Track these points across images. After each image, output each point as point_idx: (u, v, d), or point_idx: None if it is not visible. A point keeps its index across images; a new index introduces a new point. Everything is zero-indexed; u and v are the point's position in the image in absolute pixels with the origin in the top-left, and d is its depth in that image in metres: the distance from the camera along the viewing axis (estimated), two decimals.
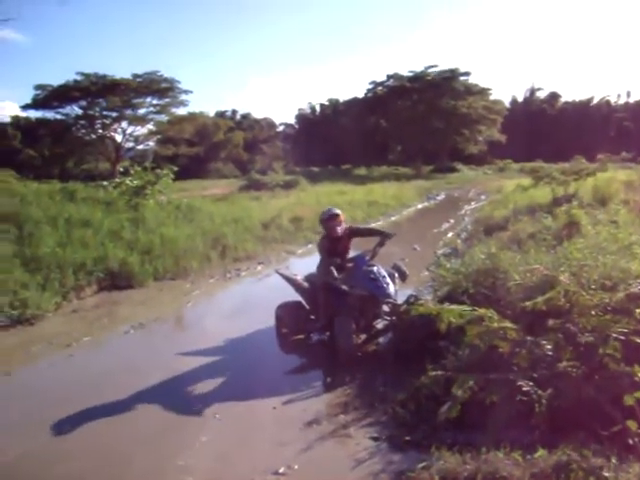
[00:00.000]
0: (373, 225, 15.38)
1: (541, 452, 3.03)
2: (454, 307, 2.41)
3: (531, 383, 2.08)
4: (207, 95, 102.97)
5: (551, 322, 2.30)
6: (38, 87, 39.01)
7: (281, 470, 3.66)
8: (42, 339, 6.65)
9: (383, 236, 6.31)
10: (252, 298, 8.44)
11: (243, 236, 12.39)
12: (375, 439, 4.00)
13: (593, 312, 2.22)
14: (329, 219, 6.19)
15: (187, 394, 5.01)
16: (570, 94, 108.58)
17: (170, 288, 9.33)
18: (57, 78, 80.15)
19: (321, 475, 3.63)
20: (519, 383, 2.07)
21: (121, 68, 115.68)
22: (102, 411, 4.65)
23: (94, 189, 14.19)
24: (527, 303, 2.45)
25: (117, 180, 15.02)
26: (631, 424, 2.04)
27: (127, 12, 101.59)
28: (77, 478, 3.72)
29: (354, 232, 6.42)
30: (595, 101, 60.93)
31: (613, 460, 2.64)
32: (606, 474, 2.44)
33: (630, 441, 2.12)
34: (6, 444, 4.17)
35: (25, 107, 40.94)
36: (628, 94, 61.55)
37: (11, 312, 7.11)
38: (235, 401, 4.82)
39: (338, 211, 6.28)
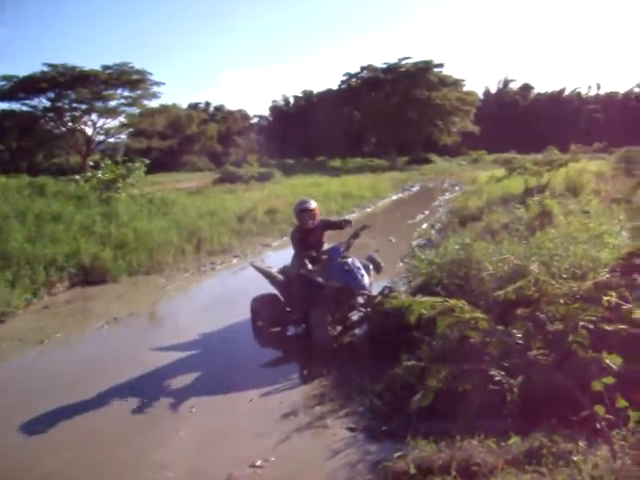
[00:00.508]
0: (347, 217, 15.45)
1: (514, 439, 3.10)
2: (426, 299, 2.43)
3: (502, 372, 2.12)
4: (180, 88, 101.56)
5: (520, 311, 2.34)
6: (3, 78, 37.67)
7: (258, 462, 3.66)
8: (12, 336, 6.53)
9: (357, 228, 6.34)
10: (227, 291, 8.41)
11: (218, 229, 12.31)
12: (351, 430, 4.03)
13: (562, 301, 2.26)
14: (303, 211, 6.19)
15: (163, 389, 4.97)
16: (542, 85, 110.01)
17: (144, 283, 9.24)
18: (23, 69, 78.33)
19: (298, 466, 3.64)
20: (491, 372, 2.10)
21: (90, 60, 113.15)
22: (77, 408, 4.60)
23: (65, 183, 13.92)
24: (498, 292, 2.49)
25: (88, 174, 14.77)
26: (599, 409, 2.09)
27: (97, 4, 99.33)
28: (53, 475, 3.67)
29: (328, 225, 6.43)
30: (567, 92, 61.89)
31: (581, 444, 2.71)
32: (575, 458, 2.51)
33: (598, 425, 2.17)
34: None
35: None
36: (598, 86, 62.60)
37: None
38: (211, 395, 4.81)
39: (313, 204, 6.27)
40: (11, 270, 8.05)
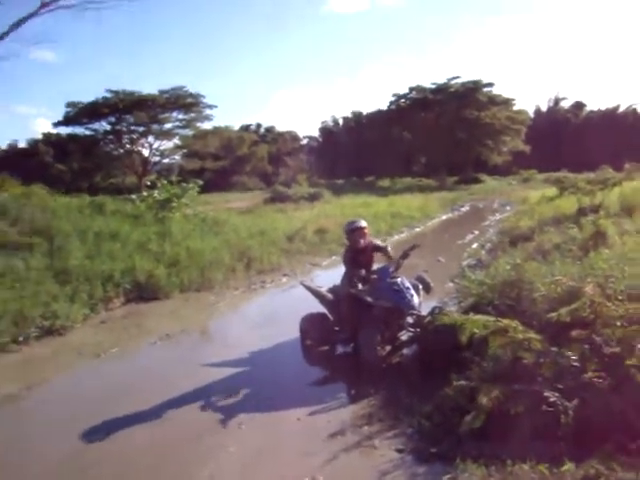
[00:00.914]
0: (396, 237, 15.47)
1: (568, 465, 3.00)
2: (478, 317, 2.43)
3: (557, 394, 2.07)
4: (232, 109, 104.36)
5: (575, 333, 2.29)
6: (69, 104, 40.12)
7: None
8: (72, 350, 6.80)
9: (406, 248, 6.35)
10: (277, 310, 8.49)
11: (268, 248, 12.48)
12: (400, 451, 3.99)
13: (618, 323, 2.20)
14: (353, 230, 6.24)
15: (213, 404, 5.07)
16: (595, 103, 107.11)
17: (195, 300, 9.45)
18: (87, 95, 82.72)
19: None
20: (545, 394, 2.06)
21: (148, 83, 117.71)
22: (129, 421, 4.74)
23: (122, 202, 14.46)
24: (552, 314, 2.44)
25: (144, 194, 15.29)
26: None
27: (152, 28, 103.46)
28: None
29: (376, 247, 6.44)
30: (621, 109, 59.97)
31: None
32: None
33: None
34: (39, 451, 4.30)
35: (57, 124, 42.19)
36: None
37: (42, 323, 7.28)
38: (260, 412, 4.86)
39: (363, 223, 6.31)
40: (71, 285, 8.40)
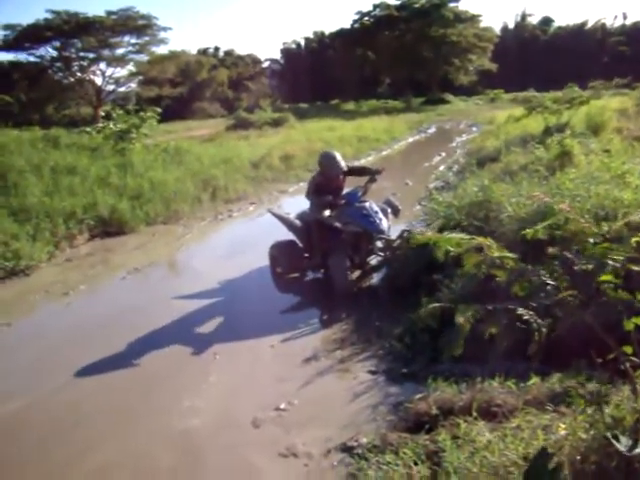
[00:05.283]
0: (363, 161, 15.34)
1: (534, 379, 3.12)
2: (452, 235, 2.38)
3: (531, 312, 2.08)
4: (187, 32, 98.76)
5: (550, 250, 2.28)
6: (7, 27, 36.77)
7: (282, 406, 3.75)
8: (39, 289, 6.64)
9: (374, 172, 6.27)
10: (245, 238, 8.42)
11: (233, 177, 12.26)
12: (373, 373, 4.09)
13: (591, 240, 2.20)
14: (331, 165, 6.06)
15: (187, 336, 5.05)
16: (563, 18, 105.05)
17: (162, 232, 9.29)
18: (26, 17, 76.03)
19: (321, 409, 3.71)
20: (519, 312, 2.06)
21: (92, 7, 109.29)
22: (105, 357, 4.69)
23: (77, 135, 13.79)
24: (527, 231, 2.41)
25: (100, 125, 14.60)
26: (627, 349, 2.07)
27: None
28: (86, 423, 3.78)
29: (349, 171, 6.33)
30: (589, 25, 59.23)
31: (605, 385, 2.72)
32: (598, 398, 2.50)
33: (621, 366, 2.15)
34: (14, 391, 4.25)
35: None
36: (624, 16, 60.07)
37: (4, 263, 7.04)
38: (234, 341, 4.87)
39: (339, 156, 6.14)
40: (31, 224, 8.08)
